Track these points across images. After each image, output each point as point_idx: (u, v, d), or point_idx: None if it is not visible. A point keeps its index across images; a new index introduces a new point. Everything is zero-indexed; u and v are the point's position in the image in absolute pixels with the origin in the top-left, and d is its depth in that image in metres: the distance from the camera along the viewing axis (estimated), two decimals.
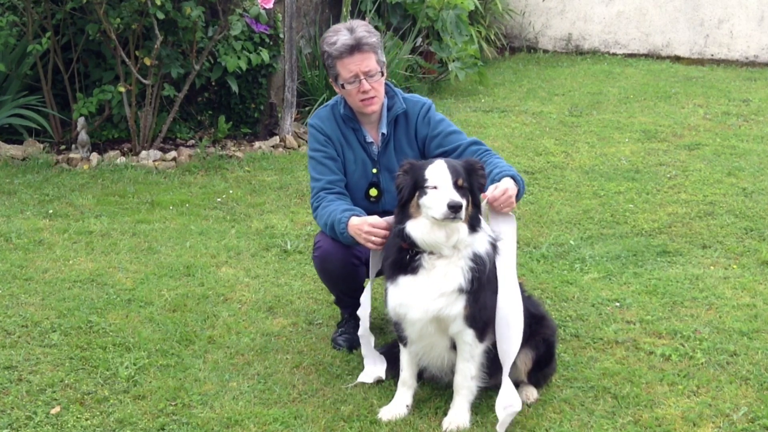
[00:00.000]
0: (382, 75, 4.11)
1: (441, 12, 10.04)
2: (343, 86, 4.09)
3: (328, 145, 4.19)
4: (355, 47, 4.01)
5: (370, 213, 4.04)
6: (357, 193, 4.24)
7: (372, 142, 4.22)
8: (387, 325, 4.48)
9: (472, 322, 3.60)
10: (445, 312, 3.57)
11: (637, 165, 7.36)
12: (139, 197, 6.57)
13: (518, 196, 3.89)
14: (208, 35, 7.61)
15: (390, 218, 3.80)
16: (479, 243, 3.62)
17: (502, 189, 3.79)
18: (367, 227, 3.84)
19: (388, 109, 4.20)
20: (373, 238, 3.83)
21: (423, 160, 3.79)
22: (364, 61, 4.02)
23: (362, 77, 4.03)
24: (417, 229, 3.56)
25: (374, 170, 4.23)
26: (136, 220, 6.08)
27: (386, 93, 4.22)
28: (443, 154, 4.08)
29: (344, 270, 4.19)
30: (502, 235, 3.77)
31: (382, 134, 4.19)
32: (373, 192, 4.24)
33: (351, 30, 4.05)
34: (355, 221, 3.90)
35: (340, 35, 4.04)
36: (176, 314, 4.66)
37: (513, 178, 3.90)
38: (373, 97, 4.09)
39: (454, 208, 3.45)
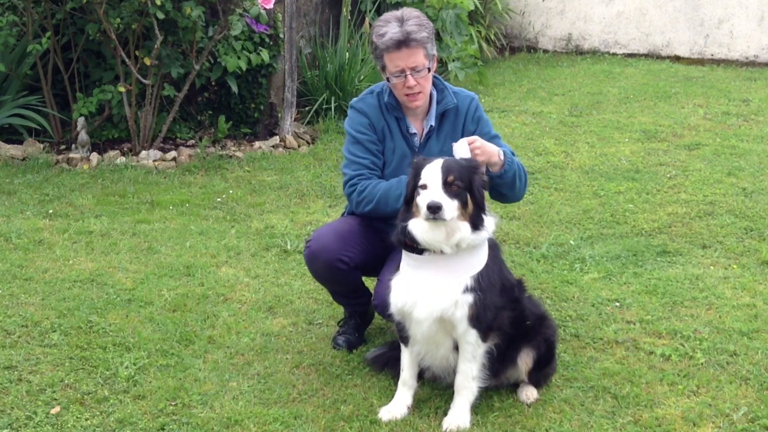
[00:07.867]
0: (429, 71, 4.02)
1: (440, 12, 10.02)
2: (389, 79, 4.04)
3: (370, 130, 4.14)
4: (403, 42, 3.93)
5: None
6: None
7: (415, 133, 4.17)
8: (387, 325, 4.49)
9: (476, 322, 3.59)
10: (450, 312, 3.58)
11: (637, 165, 7.36)
12: (139, 197, 6.57)
13: (507, 177, 3.96)
14: (208, 35, 7.60)
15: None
16: (483, 242, 3.61)
17: (480, 142, 3.83)
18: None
19: (438, 102, 4.15)
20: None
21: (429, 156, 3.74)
22: (411, 57, 3.95)
23: (408, 72, 3.97)
24: (417, 227, 3.56)
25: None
26: (136, 220, 6.08)
27: (435, 86, 4.16)
28: None
29: (329, 272, 4.16)
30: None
31: (430, 126, 4.15)
32: None
33: (401, 21, 3.96)
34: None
35: (389, 27, 3.96)
36: (176, 314, 4.66)
37: (504, 153, 3.95)
38: (418, 93, 4.04)
39: (431, 209, 3.44)
